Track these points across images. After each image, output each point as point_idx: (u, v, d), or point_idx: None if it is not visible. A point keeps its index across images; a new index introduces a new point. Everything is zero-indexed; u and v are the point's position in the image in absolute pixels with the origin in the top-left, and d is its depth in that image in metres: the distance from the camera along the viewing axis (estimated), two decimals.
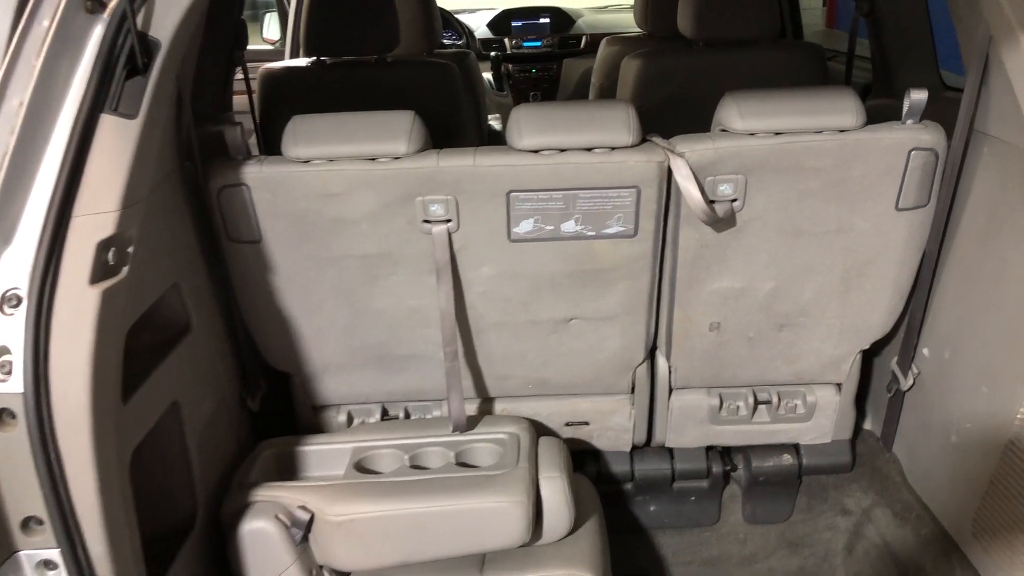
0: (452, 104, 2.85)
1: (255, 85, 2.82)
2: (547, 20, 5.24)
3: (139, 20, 1.56)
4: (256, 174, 1.85)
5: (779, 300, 2.09)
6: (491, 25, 5.27)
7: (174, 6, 1.58)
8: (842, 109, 1.87)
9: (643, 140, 1.92)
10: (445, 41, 5.04)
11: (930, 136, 1.88)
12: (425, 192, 1.88)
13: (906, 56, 2.59)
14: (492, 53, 5.06)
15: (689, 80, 2.77)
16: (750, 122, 1.88)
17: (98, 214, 1.47)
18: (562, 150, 1.87)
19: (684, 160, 1.86)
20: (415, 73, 2.82)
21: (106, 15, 1.54)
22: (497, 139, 4.08)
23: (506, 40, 5.13)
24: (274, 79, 2.78)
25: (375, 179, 1.86)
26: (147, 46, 1.57)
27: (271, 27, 5.30)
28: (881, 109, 2.60)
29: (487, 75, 5.03)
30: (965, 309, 1.98)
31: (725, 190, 1.91)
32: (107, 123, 1.51)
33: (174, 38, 1.59)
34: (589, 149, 1.87)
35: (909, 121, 1.89)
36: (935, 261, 2.03)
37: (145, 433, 1.65)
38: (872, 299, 2.10)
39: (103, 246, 1.47)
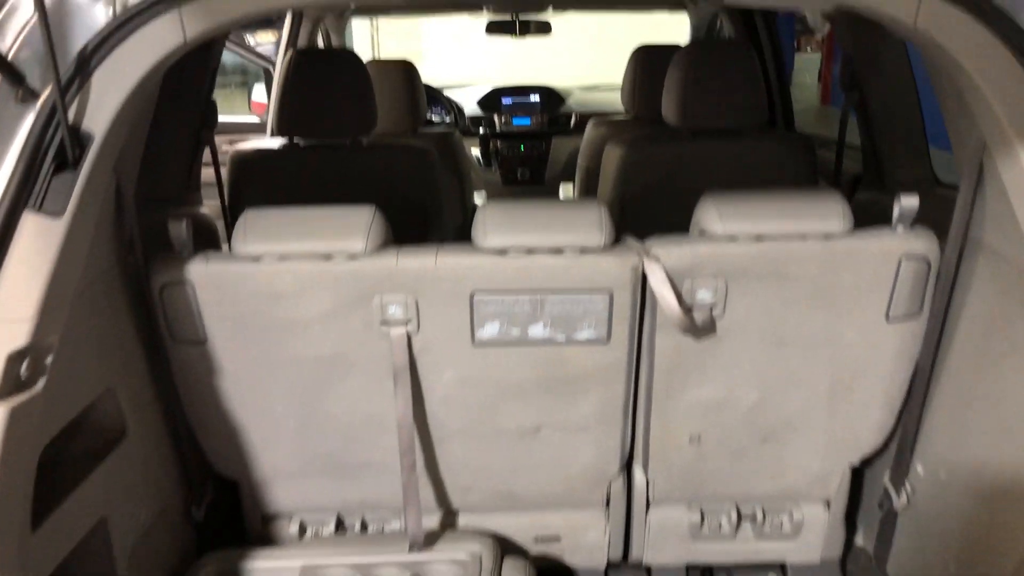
0: (429, 190, 2.75)
1: (226, 166, 2.72)
2: (537, 98, 5.19)
3: (71, 112, 1.45)
4: (201, 272, 1.73)
5: (763, 412, 1.96)
6: (481, 102, 5.22)
7: (110, 98, 1.47)
8: (828, 213, 1.76)
9: (616, 240, 1.80)
10: (433, 118, 4.98)
11: (922, 244, 1.77)
12: (383, 292, 1.76)
13: (897, 149, 2.50)
14: (481, 130, 5.00)
15: (673, 169, 2.67)
16: (730, 225, 1.77)
17: (12, 322, 1.35)
18: (529, 250, 1.76)
19: (659, 264, 1.74)
20: (391, 157, 2.72)
21: (38, 105, 1.44)
22: None
23: (495, 117, 5.07)
24: (244, 161, 2.67)
25: (329, 279, 1.74)
26: (79, 139, 1.46)
27: (259, 94, 5.26)
28: (871, 204, 2.51)
29: (475, 151, 4.97)
30: (961, 428, 1.84)
31: (704, 296, 1.79)
32: (29, 222, 1.40)
33: (109, 131, 1.49)
34: (558, 250, 1.76)
35: (899, 227, 1.78)
36: (928, 375, 1.90)
37: (60, 560, 1.50)
38: (861, 413, 1.96)
39: (15, 358, 1.34)
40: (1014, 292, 1.63)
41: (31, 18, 1.45)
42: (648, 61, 3.55)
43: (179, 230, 1.72)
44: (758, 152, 2.67)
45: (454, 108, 5.06)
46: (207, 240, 2.41)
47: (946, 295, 1.81)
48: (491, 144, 4.99)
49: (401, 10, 5.07)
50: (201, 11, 1.48)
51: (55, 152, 1.43)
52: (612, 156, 2.76)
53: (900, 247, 1.76)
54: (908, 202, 1.75)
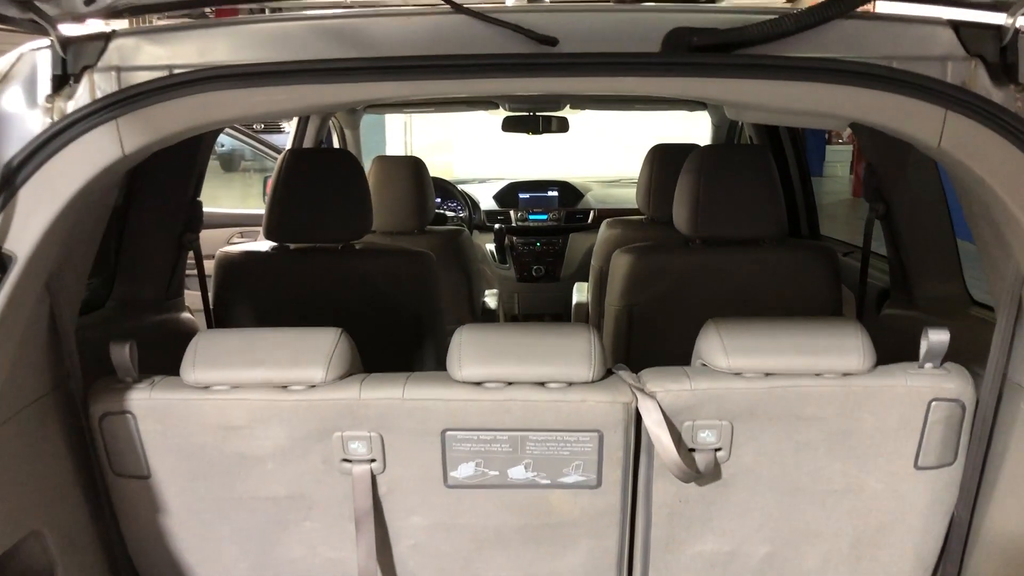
0: (426, 296, 2.59)
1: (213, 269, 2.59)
2: (555, 193, 5.08)
3: None
4: (143, 401, 1.57)
5: (776, 568, 1.73)
6: (497, 197, 5.11)
7: (38, 216, 1.34)
8: (846, 349, 1.57)
9: (607, 373, 1.62)
10: (448, 213, 4.87)
11: (954, 385, 1.56)
12: (344, 427, 1.58)
13: (927, 265, 2.30)
14: (496, 225, 4.88)
15: (684, 280, 2.49)
16: (736, 360, 1.58)
17: None
18: (509, 383, 1.57)
19: (655, 403, 1.55)
20: (384, 263, 2.57)
21: None
22: (491, 317, 3.81)
23: (512, 212, 4.96)
24: (231, 264, 2.54)
25: (284, 412, 1.56)
26: (0, 262, 1.32)
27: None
28: (898, 321, 2.31)
29: (490, 247, 4.84)
30: None
31: (706, 437, 1.59)
32: None
33: (37, 252, 1.34)
34: (542, 384, 1.57)
35: (928, 365, 1.58)
36: (966, 529, 1.67)
37: None
38: (890, 571, 1.72)
39: None
40: None
41: None
42: (665, 160, 3.41)
43: (121, 355, 1.56)
44: (777, 262, 2.48)
45: (469, 203, 4.95)
46: None
47: (984, 441, 1.59)
48: (507, 239, 4.85)
49: (409, 108, 5.02)
50: (142, 122, 1.35)
51: None
52: (620, 264, 2.59)
53: (930, 388, 1.56)
54: (937, 338, 1.55)
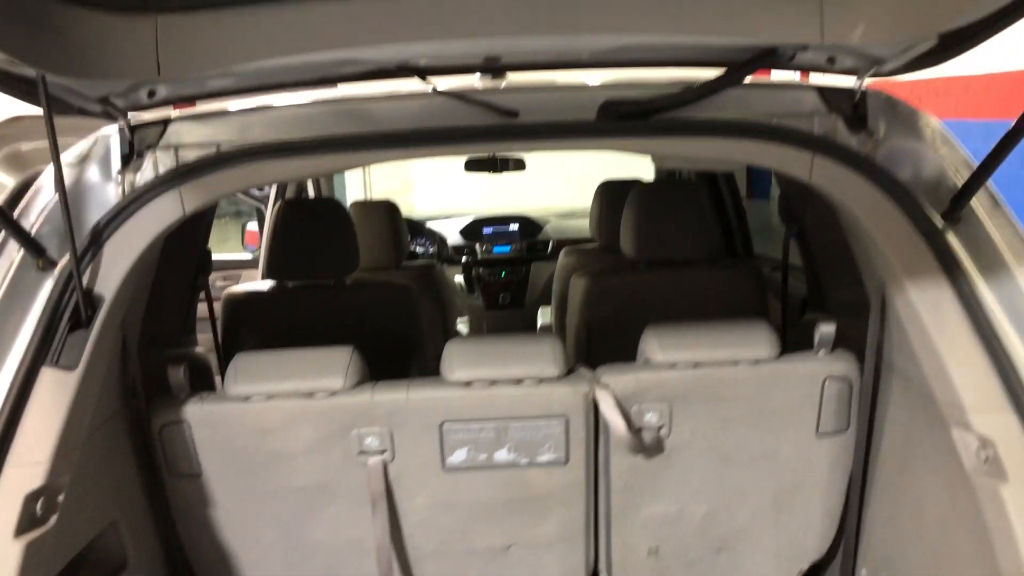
0: (410, 323, 2.96)
1: (220, 307, 2.93)
2: (516, 227, 5.49)
3: (85, 278, 1.68)
4: (197, 412, 1.92)
5: (714, 524, 2.12)
6: (463, 232, 5.51)
7: (119, 263, 1.70)
8: (756, 341, 1.98)
9: (571, 371, 2.01)
10: (418, 249, 5.25)
11: (842, 365, 1.97)
12: (360, 425, 1.95)
13: (838, 276, 2.72)
14: (463, 258, 5.27)
15: (633, 298, 2.89)
16: (670, 354, 1.98)
17: (29, 465, 1.53)
18: (492, 382, 1.96)
19: (609, 391, 1.94)
20: (373, 296, 2.94)
21: (55, 272, 1.67)
22: None
23: (477, 246, 5.35)
24: (236, 303, 2.89)
25: (312, 414, 1.93)
26: (92, 301, 1.68)
27: (254, 226, 5.49)
28: (815, 324, 2.72)
29: (459, 278, 5.22)
30: (894, 534, 2.00)
31: (651, 418, 1.99)
32: (47, 376, 1.60)
33: (118, 293, 1.71)
34: (518, 381, 1.96)
35: (821, 351, 1.99)
36: (861, 485, 2.07)
37: None
38: (804, 522, 2.12)
39: (32, 497, 1.51)
40: (919, 409, 1.82)
41: (52, 198, 1.69)
42: (611, 195, 3.83)
43: (177, 375, 1.92)
44: (711, 280, 2.90)
45: (437, 239, 5.33)
46: (202, 378, 2.60)
47: (867, 412, 2.01)
48: (473, 271, 5.24)
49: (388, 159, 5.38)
50: (199, 188, 1.73)
51: (70, 313, 1.65)
52: (577, 286, 2.99)
53: (823, 369, 1.97)
54: (825, 329, 1.96)
